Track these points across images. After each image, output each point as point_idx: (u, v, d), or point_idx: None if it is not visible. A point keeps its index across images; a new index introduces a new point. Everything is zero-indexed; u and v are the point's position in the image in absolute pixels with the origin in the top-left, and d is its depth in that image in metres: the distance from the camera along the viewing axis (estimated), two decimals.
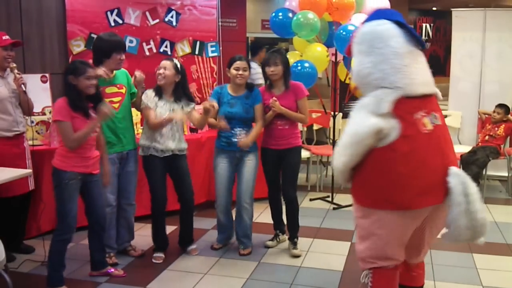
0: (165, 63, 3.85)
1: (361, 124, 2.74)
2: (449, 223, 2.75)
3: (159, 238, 4.06)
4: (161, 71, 3.82)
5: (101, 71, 3.59)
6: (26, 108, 3.88)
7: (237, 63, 3.89)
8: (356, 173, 2.86)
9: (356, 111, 2.82)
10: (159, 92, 3.86)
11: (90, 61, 5.14)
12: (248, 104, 3.94)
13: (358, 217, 2.94)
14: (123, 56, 3.73)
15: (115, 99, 3.73)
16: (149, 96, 3.84)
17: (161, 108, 3.82)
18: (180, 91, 3.87)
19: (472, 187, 2.72)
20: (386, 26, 2.86)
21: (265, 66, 3.97)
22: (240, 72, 3.88)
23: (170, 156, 3.88)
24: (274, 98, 3.90)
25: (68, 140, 3.25)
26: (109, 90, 3.69)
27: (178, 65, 3.86)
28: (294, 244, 4.12)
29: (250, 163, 3.99)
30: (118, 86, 3.76)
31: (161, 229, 4.05)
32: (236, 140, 3.91)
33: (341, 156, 2.83)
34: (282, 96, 3.96)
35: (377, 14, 2.98)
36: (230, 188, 4.07)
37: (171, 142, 3.86)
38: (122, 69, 3.86)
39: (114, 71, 3.77)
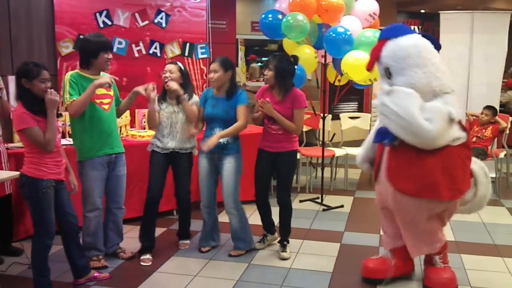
0: (170, 66, 3.98)
1: (443, 135, 3.17)
2: (472, 198, 3.42)
3: (147, 237, 4.03)
4: (167, 74, 3.93)
5: (107, 78, 3.61)
6: (1, 111, 3.83)
7: (210, 67, 3.95)
8: (441, 171, 3.20)
9: (438, 116, 3.14)
10: (163, 96, 4.00)
11: (78, 62, 5.12)
12: (229, 105, 3.93)
13: (430, 211, 3.31)
14: (110, 56, 3.70)
15: (104, 101, 3.71)
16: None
17: (163, 111, 3.98)
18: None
19: (487, 169, 3.48)
20: (423, 39, 3.27)
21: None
22: (211, 75, 3.90)
23: (170, 153, 4.01)
24: (267, 99, 3.90)
25: (42, 144, 3.12)
26: (99, 91, 3.66)
27: (182, 68, 4.02)
28: (283, 247, 4.12)
29: (229, 167, 3.94)
30: (106, 88, 3.74)
31: (151, 228, 4.04)
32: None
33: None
34: (279, 102, 3.94)
35: (399, 29, 3.32)
36: (212, 187, 4.06)
37: (170, 142, 4.00)
38: (107, 74, 3.80)
39: (102, 73, 3.74)
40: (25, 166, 3.22)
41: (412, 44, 3.22)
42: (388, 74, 3.29)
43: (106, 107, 3.71)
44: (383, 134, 3.33)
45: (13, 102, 3.95)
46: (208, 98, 4.01)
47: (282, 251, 4.10)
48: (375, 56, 3.33)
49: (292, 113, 3.92)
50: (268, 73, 3.93)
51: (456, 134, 3.25)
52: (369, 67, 3.42)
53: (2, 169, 3.78)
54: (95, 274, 3.61)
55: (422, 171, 3.21)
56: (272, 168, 4.07)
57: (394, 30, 3.31)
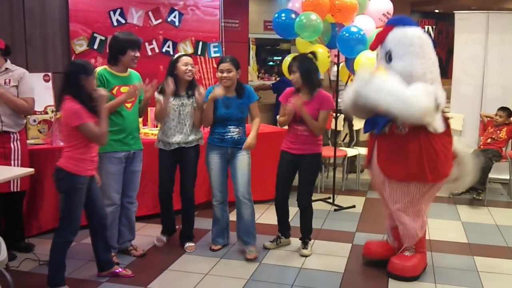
0: (189, 59, 4.01)
1: (431, 113, 3.36)
2: (460, 176, 3.69)
3: (165, 222, 4.29)
4: (190, 67, 3.97)
5: (134, 93, 3.69)
6: (15, 109, 3.81)
7: (221, 66, 3.91)
8: (425, 157, 3.43)
9: (426, 95, 3.32)
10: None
11: (92, 60, 5.19)
12: (242, 104, 3.96)
13: (417, 194, 3.54)
14: (138, 54, 3.76)
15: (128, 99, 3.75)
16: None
17: (170, 104, 3.96)
18: (192, 86, 4.03)
19: (469, 144, 4.04)
20: (426, 35, 3.50)
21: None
22: (225, 75, 3.89)
23: (177, 149, 4.02)
24: (300, 98, 3.88)
25: (97, 138, 3.24)
26: (124, 89, 3.72)
27: None
28: (305, 244, 4.13)
29: (243, 158, 3.99)
30: (132, 86, 3.77)
31: (166, 213, 4.24)
32: (229, 136, 3.95)
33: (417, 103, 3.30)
34: (307, 103, 3.90)
35: (406, 20, 3.54)
36: (225, 182, 4.09)
37: (178, 136, 4.00)
38: (136, 72, 3.89)
39: (129, 71, 3.81)
40: (63, 161, 3.27)
41: (417, 35, 3.46)
42: (388, 57, 3.50)
43: (128, 105, 3.75)
44: (372, 124, 3.61)
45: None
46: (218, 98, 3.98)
47: (303, 248, 4.11)
48: (381, 39, 3.53)
49: (317, 115, 3.90)
50: (294, 76, 3.90)
51: (436, 125, 3.47)
52: (372, 47, 3.64)
53: (10, 166, 3.79)
54: (118, 270, 3.64)
55: (408, 158, 3.47)
56: (295, 170, 4.06)
57: (402, 20, 3.55)
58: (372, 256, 3.91)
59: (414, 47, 3.41)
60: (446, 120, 3.59)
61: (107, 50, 3.86)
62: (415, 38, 3.43)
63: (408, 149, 3.46)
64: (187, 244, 4.19)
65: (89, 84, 3.25)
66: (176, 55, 4.08)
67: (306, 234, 4.16)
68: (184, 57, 4.00)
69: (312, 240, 4.32)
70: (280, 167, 4.09)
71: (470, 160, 3.75)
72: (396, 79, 3.37)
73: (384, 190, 3.70)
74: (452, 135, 3.63)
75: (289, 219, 4.27)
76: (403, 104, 3.26)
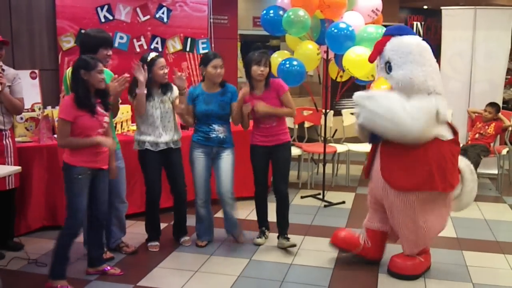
0: (164, 61, 3.92)
1: (425, 134, 3.35)
2: (459, 195, 3.59)
3: (154, 229, 4.16)
4: (165, 70, 3.89)
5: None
6: (10, 108, 3.81)
7: (215, 62, 3.88)
8: (434, 163, 3.35)
9: (425, 116, 3.30)
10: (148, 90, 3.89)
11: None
12: (223, 100, 3.95)
13: (429, 200, 3.45)
14: (110, 52, 3.70)
15: None
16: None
17: (149, 103, 3.89)
18: (165, 85, 3.97)
19: (472, 166, 3.71)
20: (425, 42, 3.47)
21: (253, 64, 3.90)
22: (219, 71, 3.90)
23: (165, 150, 3.95)
24: (259, 103, 3.88)
25: (61, 139, 3.27)
26: None
27: None
28: (287, 239, 4.13)
29: (227, 158, 4.00)
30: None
31: (156, 221, 4.14)
32: (214, 135, 3.94)
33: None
34: (263, 96, 3.95)
35: (404, 29, 3.55)
36: (208, 181, 4.09)
37: (164, 135, 3.93)
38: (108, 70, 3.78)
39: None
40: (64, 154, 3.34)
41: (415, 43, 3.44)
42: (388, 67, 3.46)
43: None
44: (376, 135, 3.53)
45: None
46: (198, 95, 3.96)
47: (287, 240, 4.12)
48: (379, 49, 3.49)
49: (279, 102, 3.96)
50: (266, 69, 3.91)
51: (442, 133, 3.43)
52: (372, 58, 3.59)
53: (4, 164, 3.77)
54: (107, 268, 3.63)
55: (416, 166, 3.39)
56: (268, 161, 4.11)
57: (399, 29, 3.55)
58: (339, 245, 3.88)
59: (413, 54, 3.37)
60: (453, 129, 3.53)
61: (79, 48, 3.76)
62: (413, 46, 3.40)
63: (414, 156, 3.38)
64: (184, 238, 4.24)
65: (93, 79, 3.24)
66: (150, 56, 3.86)
67: (284, 228, 4.17)
68: (160, 60, 3.88)
69: (302, 236, 4.32)
70: (255, 161, 4.11)
71: (471, 178, 3.64)
72: (394, 97, 3.33)
73: (388, 202, 3.57)
74: (459, 144, 3.58)
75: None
76: (399, 129, 3.29)
